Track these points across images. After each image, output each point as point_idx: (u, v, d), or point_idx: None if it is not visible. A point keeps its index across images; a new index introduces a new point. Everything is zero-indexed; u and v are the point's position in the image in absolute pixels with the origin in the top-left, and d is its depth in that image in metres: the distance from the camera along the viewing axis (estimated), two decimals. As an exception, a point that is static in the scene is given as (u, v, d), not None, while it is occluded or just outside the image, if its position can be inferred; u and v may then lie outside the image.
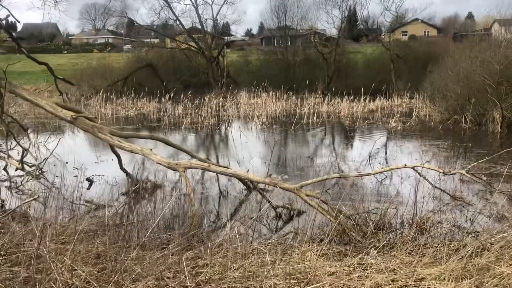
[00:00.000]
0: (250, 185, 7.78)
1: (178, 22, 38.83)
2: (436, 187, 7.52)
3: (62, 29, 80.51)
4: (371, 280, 3.77)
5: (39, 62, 8.95)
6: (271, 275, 3.65)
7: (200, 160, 7.11)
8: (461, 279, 3.86)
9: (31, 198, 5.73)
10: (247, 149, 12.62)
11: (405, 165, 7.00)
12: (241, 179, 7.40)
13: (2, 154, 9.70)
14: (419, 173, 6.90)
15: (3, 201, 7.25)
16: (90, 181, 9.09)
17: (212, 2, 37.83)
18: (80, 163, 10.48)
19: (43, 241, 4.25)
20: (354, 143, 15.08)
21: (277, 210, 6.83)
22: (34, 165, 9.48)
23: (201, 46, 36.42)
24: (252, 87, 27.05)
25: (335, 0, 36.09)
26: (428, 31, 59.85)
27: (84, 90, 30.79)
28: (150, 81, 31.06)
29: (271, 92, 25.01)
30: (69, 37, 75.20)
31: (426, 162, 7.35)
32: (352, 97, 23.64)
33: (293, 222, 6.58)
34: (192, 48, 36.81)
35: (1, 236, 4.56)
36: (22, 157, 7.77)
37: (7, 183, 9.03)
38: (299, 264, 4.23)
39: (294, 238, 5.42)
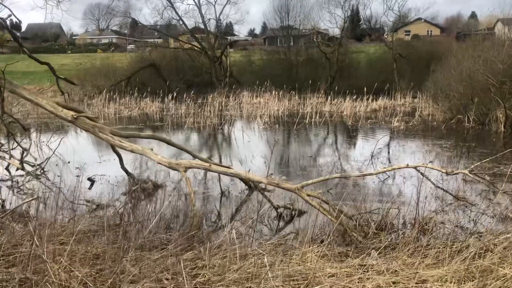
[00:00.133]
0: (251, 185, 7.74)
1: (181, 22, 38.87)
2: (438, 187, 7.46)
3: (66, 29, 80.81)
4: (372, 281, 3.73)
5: (40, 62, 8.94)
6: (271, 277, 3.61)
7: (201, 160, 7.07)
8: (464, 281, 3.81)
9: (30, 199, 5.71)
10: (249, 149, 12.58)
11: (407, 165, 6.93)
12: (242, 179, 7.36)
13: (4, 154, 9.71)
14: (422, 173, 6.84)
15: (3, 201, 7.25)
16: (92, 180, 9.07)
17: (215, 2, 37.87)
18: (82, 163, 10.47)
19: (41, 242, 4.23)
20: (356, 142, 15.01)
21: (278, 210, 6.79)
22: (36, 165, 9.50)
23: (204, 46, 36.41)
24: (255, 86, 27.03)
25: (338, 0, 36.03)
26: (431, 31, 59.68)
27: (87, 90, 30.87)
28: (153, 81, 31.13)
29: (273, 92, 24.97)
30: (73, 37, 75.42)
31: (429, 162, 7.29)
32: (354, 97, 23.57)
33: (294, 223, 6.53)
34: (195, 48, 36.82)
35: (-1, 236, 4.54)
36: (22, 157, 7.75)
37: (8, 183, 9.03)
38: (299, 265, 4.19)
39: (294, 238, 5.38)
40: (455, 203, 7.29)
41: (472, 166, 7.32)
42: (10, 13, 8.41)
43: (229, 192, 8.18)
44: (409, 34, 53.12)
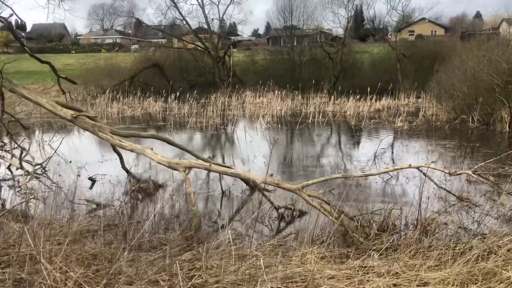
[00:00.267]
0: (252, 185, 7.67)
1: (184, 22, 38.84)
2: (441, 187, 7.36)
3: (71, 29, 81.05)
4: (372, 284, 3.66)
5: (41, 61, 8.92)
6: (268, 279, 3.55)
7: (202, 159, 7.02)
8: (467, 284, 3.73)
9: (27, 199, 5.67)
10: (251, 149, 12.52)
11: (410, 165, 6.85)
12: (242, 179, 7.30)
13: (4, 154, 9.69)
14: (424, 174, 6.75)
15: (4, 200, 7.22)
16: (92, 180, 9.03)
17: (219, 2, 37.83)
18: (84, 162, 10.47)
19: (37, 242, 4.18)
20: (359, 142, 14.93)
21: (279, 210, 6.72)
22: (37, 164, 9.47)
23: (207, 46, 36.38)
24: (258, 86, 26.98)
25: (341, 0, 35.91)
26: (435, 31, 59.43)
27: (91, 90, 30.90)
28: (156, 80, 31.13)
29: (276, 92, 24.90)
30: (77, 37, 75.64)
31: (431, 162, 7.21)
32: (358, 97, 23.47)
33: (295, 223, 6.47)
34: (199, 48, 36.80)
35: (-4, 236, 4.51)
36: (21, 156, 7.72)
37: (9, 183, 9.02)
38: (299, 266, 4.12)
39: (295, 239, 5.31)
40: (459, 204, 7.21)
41: (476, 166, 7.23)
42: (12, 12, 8.37)
43: (230, 192, 8.12)
44: (413, 34, 52.89)
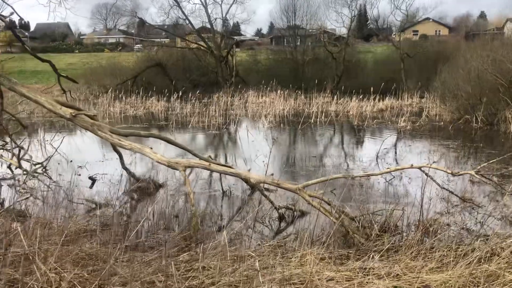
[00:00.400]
0: (253, 185, 7.60)
1: (187, 22, 38.81)
2: (444, 188, 7.29)
3: (74, 29, 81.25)
4: (372, 286, 3.59)
5: (42, 60, 8.88)
6: (266, 280, 3.48)
7: (202, 159, 6.96)
8: (468, 287, 3.66)
9: (24, 198, 5.63)
10: (253, 148, 12.46)
11: (412, 165, 6.77)
12: (242, 179, 7.23)
13: (6, 153, 9.66)
14: (426, 174, 6.67)
15: (3, 199, 7.19)
16: (93, 179, 8.99)
17: (222, 2, 37.75)
18: (86, 161, 10.44)
19: (33, 241, 4.14)
20: (362, 142, 14.84)
21: (280, 211, 6.65)
22: (37, 163, 9.44)
23: (210, 46, 36.33)
24: (261, 86, 26.91)
25: (345, -1, 35.76)
26: (440, 31, 59.20)
27: (93, 89, 30.92)
28: (159, 80, 31.10)
29: (279, 91, 24.82)
30: (81, 37, 75.78)
31: (433, 162, 7.13)
32: (361, 97, 23.37)
33: (296, 224, 6.40)
34: (202, 48, 36.75)
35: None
36: (19, 155, 7.69)
37: (11, 182, 8.98)
38: (298, 268, 4.06)
39: (295, 240, 5.24)
40: (461, 204, 7.12)
41: (479, 167, 7.14)
42: (13, 11, 8.33)
43: (230, 192, 8.06)
44: (417, 34, 52.71)
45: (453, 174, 6.75)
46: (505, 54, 15.79)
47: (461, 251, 4.75)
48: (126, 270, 3.65)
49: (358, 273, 3.97)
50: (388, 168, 7.74)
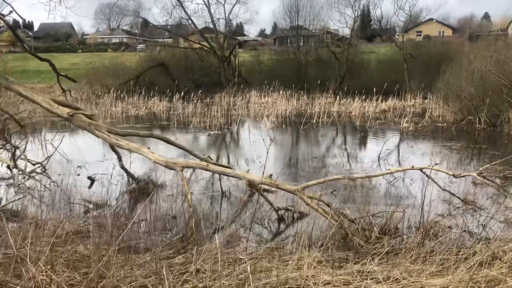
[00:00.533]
0: (252, 186, 7.51)
1: (190, 22, 38.77)
2: (445, 190, 7.18)
3: (77, 28, 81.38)
4: (369, 290, 3.50)
5: (41, 59, 8.83)
6: (261, 284, 3.40)
7: (201, 159, 6.88)
8: (469, 292, 3.57)
9: (18, 198, 5.57)
10: (255, 149, 12.38)
11: (413, 166, 6.67)
12: (241, 180, 7.13)
13: (6, 153, 9.62)
14: (427, 175, 6.57)
15: (0, 200, 7.13)
16: (92, 179, 8.93)
17: (225, 2, 37.71)
18: (85, 161, 10.38)
19: (26, 242, 4.07)
20: (364, 143, 14.74)
21: (279, 212, 6.57)
22: (36, 163, 9.39)
23: (213, 46, 36.28)
24: (264, 86, 26.84)
25: (348, -1, 35.65)
26: (443, 31, 58.97)
27: (96, 89, 30.90)
28: (162, 80, 31.07)
29: (281, 92, 24.74)
30: (84, 37, 75.88)
31: (435, 164, 7.03)
32: (364, 97, 23.26)
33: (295, 225, 6.31)
34: (205, 48, 36.70)
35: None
36: (14, 155, 7.63)
37: (11, 181, 8.93)
38: (295, 271, 3.97)
39: (293, 242, 5.15)
40: (463, 207, 7.02)
41: (481, 168, 7.03)
42: (12, 9, 8.29)
43: (230, 193, 7.99)
44: (420, 35, 52.52)
45: (455, 176, 6.64)
46: (509, 55, 15.67)
47: (462, 254, 4.65)
48: (118, 273, 3.57)
49: (356, 277, 3.89)
50: (388, 169, 7.64)
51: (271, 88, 26.42)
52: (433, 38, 47.22)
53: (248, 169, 7.71)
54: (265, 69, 36.95)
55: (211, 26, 37.95)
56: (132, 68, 33.55)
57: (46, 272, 3.38)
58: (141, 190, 7.76)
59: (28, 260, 3.66)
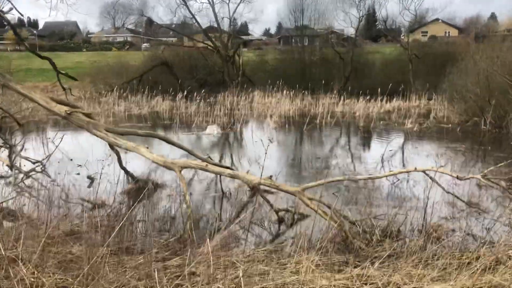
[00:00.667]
0: (252, 187, 7.41)
1: (194, 21, 38.70)
2: (449, 192, 7.04)
3: (82, 27, 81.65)
4: (368, 296, 3.40)
5: (41, 57, 8.78)
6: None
7: (200, 159, 6.79)
8: (471, 299, 3.46)
9: (9, 198, 5.50)
10: (257, 149, 12.27)
11: (415, 168, 6.55)
12: (241, 180, 7.04)
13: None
14: (431, 178, 6.45)
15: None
16: (91, 179, 8.86)
17: (229, 1, 37.58)
18: (86, 160, 10.29)
19: (20, 243, 3.99)
20: (367, 144, 14.60)
21: (279, 213, 6.46)
22: (36, 162, 9.34)
23: (216, 45, 36.19)
24: (267, 86, 26.73)
25: (353, -1, 35.44)
26: (449, 32, 58.58)
27: (99, 88, 30.90)
28: (166, 79, 31.01)
29: (285, 92, 24.63)
30: (89, 36, 76.03)
31: (439, 166, 6.90)
32: (368, 97, 23.11)
33: (295, 227, 6.20)
34: (209, 47, 36.62)
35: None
36: (10, 153, 7.57)
37: (10, 180, 8.88)
38: (293, 274, 3.87)
39: (292, 245, 5.05)
40: (467, 209, 6.89)
41: (486, 171, 6.90)
42: (12, 6, 8.24)
43: (230, 193, 7.88)
44: (426, 35, 52.22)
45: (459, 178, 6.52)
46: (515, 55, 15.49)
47: (465, 258, 4.55)
48: (111, 276, 3.49)
49: (355, 281, 3.78)
50: (391, 171, 7.52)
51: (275, 88, 26.30)
52: (439, 38, 46.96)
53: (248, 170, 7.60)
54: (269, 69, 36.80)
55: (215, 25, 37.88)
56: (136, 67, 33.53)
57: (36, 273, 3.29)
58: (140, 190, 7.64)
59: (19, 261, 3.58)
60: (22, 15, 8.94)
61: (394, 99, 24.05)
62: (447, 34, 56.74)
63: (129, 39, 70.01)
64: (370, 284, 3.67)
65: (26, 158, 9.41)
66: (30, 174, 8.05)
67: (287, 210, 6.61)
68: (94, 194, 7.54)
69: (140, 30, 66.68)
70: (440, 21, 54.08)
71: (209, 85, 32.33)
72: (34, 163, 9.30)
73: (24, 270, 3.28)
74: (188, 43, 40.30)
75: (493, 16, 67.00)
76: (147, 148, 6.39)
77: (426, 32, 53.50)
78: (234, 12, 38.53)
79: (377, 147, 13.36)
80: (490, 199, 7.60)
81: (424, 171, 6.48)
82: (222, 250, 4.65)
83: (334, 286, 3.57)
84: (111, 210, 6.34)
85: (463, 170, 9.65)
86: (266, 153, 5.51)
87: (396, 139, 14.45)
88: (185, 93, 24.23)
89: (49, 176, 8.97)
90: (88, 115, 6.45)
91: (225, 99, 25.60)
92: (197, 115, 19.53)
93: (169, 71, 32.67)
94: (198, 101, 22.38)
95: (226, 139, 15.42)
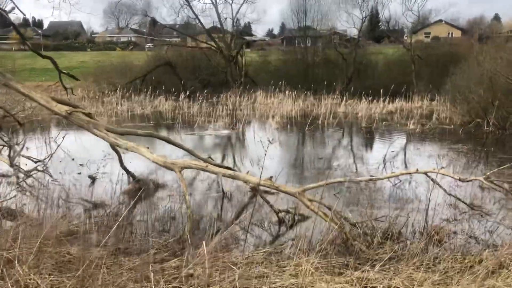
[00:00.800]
0: (253, 188, 7.38)
1: (197, 21, 38.70)
2: (451, 194, 6.98)
3: (87, 27, 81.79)
4: (368, 300, 3.35)
5: (42, 56, 8.77)
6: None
7: (201, 159, 6.76)
8: (473, 303, 3.40)
9: (9, 197, 5.48)
10: (260, 149, 12.23)
11: (417, 170, 6.49)
12: (242, 181, 7.00)
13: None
14: (432, 179, 6.39)
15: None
16: (93, 178, 8.84)
17: (232, 1, 37.57)
18: (88, 159, 10.28)
19: (18, 243, 3.96)
20: (369, 145, 14.54)
21: (280, 215, 6.42)
22: (38, 161, 9.33)
23: (219, 45, 36.17)
24: (270, 86, 26.69)
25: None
26: (452, 33, 58.37)
27: (103, 87, 30.93)
28: (169, 79, 31.04)
29: (288, 92, 24.59)
30: (93, 35, 76.19)
31: (441, 167, 6.84)
32: (370, 98, 23.04)
33: (295, 229, 6.15)
34: (212, 47, 36.62)
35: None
36: (10, 153, 7.56)
37: (12, 179, 8.86)
38: (292, 278, 3.83)
39: (291, 247, 5.00)
40: (469, 212, 6.83)
41: (488, 173, 6.84)
42: (14, 5, 8.23)
43: (231, 194, 7.84)
44: (429, 36, 52.05)
45: (461, 180, 6.45)
46: (519, 56, 15.40)
47: (467, 262, 4.49)
48: (108, 277, 3.45)
49: (355, 284, 3.74)
50: (392, 172, 7.46)
51: (277, 89, 26.27)
52: (442, 39, 46.79)
53: (248, 171, 7.56)
54: (272, 69, 36.75)
55: (219, 25, 37.87)
56: (139, 67, 33.57)
57: (31, 275, 3.26)
58: (141, 190, 7.64)
59: (16, 261, 3.56)
60: (24, 14, 8.98)
61: (397, 100, 23.97)
62: (450, 35, 56.54)
63: (133, 39, 70.13)
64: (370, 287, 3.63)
65: (28, 157, 9.40)
66: (32, 173, 8.03)
67: (287, 211, 6.56)
68: (95, 194, 7.54)
69: (144, 30, 66.78)
70: (443, 22, 53.93)
71: (212, 85, 32.34)
72: (35, 162, 9.29)
73: (20, 271, 3.25)
74: (191, 44, 40.32)
75: (496, 17, 66.70)
76: (148, 148, 6.36)
77: (429, 33, 53.34)
78: (237, 12, 38.57)
79: (379, 148, 13.29)
80: (493, 201, 7.53)
81: (426, 173, 6.42)
82: (221, 251, 4.61)
83: (333, 289, 3.53)
84: (110, 210, 6.32)
85: (466, 172, 9.59)
86: (265, 154, 5.46)
87: (398, 140, 14.39)
88: (187, 93, 24.22)
89: (51, 176, 8.95)
90: (88, 115, 6.43)
91: (227, 100, 25.57)
92: (200, 115, 19.51)
93: (172, 71, 32.70)
94: (200, 101, 22.36)
95: (228, 139, 15.39)
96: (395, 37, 41.21)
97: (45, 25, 78.08)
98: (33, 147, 11.67)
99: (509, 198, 7.38)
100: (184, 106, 22.77)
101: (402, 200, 7.60)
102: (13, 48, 55.10)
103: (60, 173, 9.31)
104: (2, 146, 8.26)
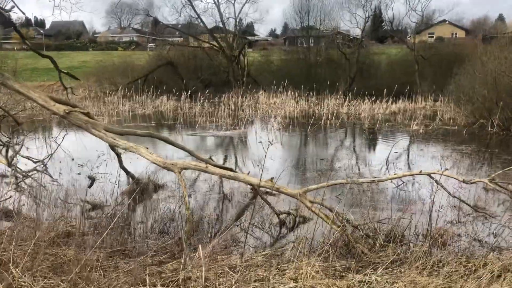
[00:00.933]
0: (254, 189, 7.29)
1: (200, 21, 38.67)
2: (454, 196, 6.88)
3: (89, 27, 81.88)
4: (370, 305, 3.26)
5: (42, 55, 8.72)
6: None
7: (201, 159, 6.67)
8: (478, 309, 3.31)
9: (7, 197, 5.41)
10: (260, 150, 12.15)
11: (420, 171, 6.38)
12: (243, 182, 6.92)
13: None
14: (436, 181, 6.29)
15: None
16: (92, 179, 8.77)
17: (234, 1, 37.53)
18: (88, 159, 10.22)
19: (14, 245, 3.89)
20: (372, 145, 14.43)
21: (280, 216, 6.33)
22: (37, 161, 9.26)
23: (221, 45, 36.11)
24: (272, 86, 26.61)
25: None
26: (456, 33, 58.19)
27: (104, 87, 30.92)
28: (170, 79, 30.98)
29: (290, 92, 24.49)
30: (95, 35, 76.28)
31: (445, 168, 6.73)
32: (373, 99, 22.92)
33: (296, 231, 6.06)
34: (214, 47, 36.56)
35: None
36: (7, 153, 7.49)
37: (9, 179, 8.80)
38: (292, 282, 3.74)
39: (292, 249, 4.91)
40: (474, 214, 6.72)
41: (493, 174, 6.73)
42: (14, 4, 8.17)
43: (231, 195, 7.76)
44: (432, 36, 51.86)
45: (465, 182, 6.35)
46: (524, 57, 15.26)
47: (471, 265, 4.39)
48: (103, 280, 3.37)
49: (357, 288, 3.65)
50: (395, 173, 7.36)
51: (279, 89, 26.18)
52: (446, 39, 46.60)
53: (249, 172, 7.48)
54: (274, 69, 36.65)
55: (221, 25, 37.83)
56: (141, 67, 33.54)
57: (25, 277, 3.18)
58: (140, 191, 7.56)
59: (10, 264, 3.48)
60: (24, 13, 8.89)
61: (400, 101, 23.84)
62: (454, 36, 56.36)
63: (135, 39, 70.16)
64: (372, 292, 3.54)
65: (27, 158, 9.34)
66: (31, 173, 7.96)
67: (288, 213, 6.48)
68: (94, 194, 7.47)
69: (146, 30, 66.78)
70: (447, 22, 53.71)
71: (213, 85, 32.28)
72: (35, 162, 9.23)
73: (14, 273, 3.17)
74: (193, 43, 40.27)
75: (501, 18, 66.47)
76: (147, 148, 6.28)
77: (433, 33, 53.13)
78: (240, 12, 38.52)
79: (382, 149, 13.18)
80: (497, 203, 7.43)
81: (429, 174, 6.32)
82: (220, 253, 4.53)
83: (334, 294, 3.44)
84: (109, 211, 6.24)
85: (470, 173, 9.48)
86: (266, 155, 5.37)
87: (402, 141, 14.27)
88: (189, 93, 24.16)
89: (50, 176, 8.89)
90: (87, 114, 6.35)
91: (229, 100, 25.50)
92: (201, 115, 19.44)
93: (174, 71, 32.65)
94: (202, 101, 22.29)
95: (229, 139, 15.31)
96: (398, 37, 41.07)
97: (47, 25, 78.25)
98: (33, 147, 11.62)
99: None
100: (186, 106, 22.71)
101: (405, 202, 7.50)
102: (15, 48, 55.17)
103: (59, 173, 9.26)
104: (1, 147, 8.18)
